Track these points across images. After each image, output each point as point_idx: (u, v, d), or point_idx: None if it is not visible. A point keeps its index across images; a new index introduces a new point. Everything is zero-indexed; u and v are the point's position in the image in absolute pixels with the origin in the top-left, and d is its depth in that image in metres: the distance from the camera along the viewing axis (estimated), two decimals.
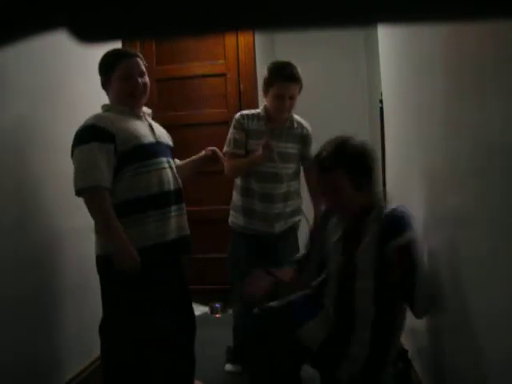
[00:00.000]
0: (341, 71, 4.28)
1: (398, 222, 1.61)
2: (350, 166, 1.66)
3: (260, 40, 3.80)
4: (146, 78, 2.02)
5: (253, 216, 2.46)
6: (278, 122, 2.45)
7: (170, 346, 2.07)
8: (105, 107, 2.03)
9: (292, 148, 2.48)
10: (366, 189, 1.70)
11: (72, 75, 2.39)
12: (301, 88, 2.41)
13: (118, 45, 2.97)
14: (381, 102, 2.90)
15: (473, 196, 1.26)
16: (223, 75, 3.76)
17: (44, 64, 2.15)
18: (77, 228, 2.28)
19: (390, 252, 1.57)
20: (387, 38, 2.65)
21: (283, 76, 2.32)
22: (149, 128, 2.03)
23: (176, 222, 2.00)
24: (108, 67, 1.96)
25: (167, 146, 2.09)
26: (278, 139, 2.43)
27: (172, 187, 2.00)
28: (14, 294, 1.86)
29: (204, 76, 3.77)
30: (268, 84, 2.38)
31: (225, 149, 2.45)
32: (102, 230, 1.86)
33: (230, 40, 3.69)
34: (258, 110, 2.51)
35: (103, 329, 1.98)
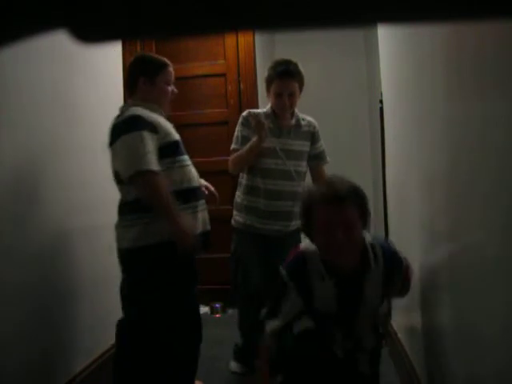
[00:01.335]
0: (341, 71, 4.28)
1: (396, 255, 1.72)
2: (361, 204, 1.60)
3: (260, 40, 3.80)
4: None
5: (258, 215, 2.44)
6: (285, 120, 2.45)
7: (184, 342, 2.11)
8: (131, 103, 2.12)
9: (302, 145, 2.48)
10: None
11: (72, 75, 2.39)
12: (301, 85, 2.41)
13: (117, 45, 2.99)
14: (381, 102, 2.90)
15: (473, 196, 1.26)
16: (223, 75, 3.76)
17: (44, 64, 2.15)
18: (91, 225, 2.33)
19: (396, 280, 1.70)
20: (387, 37, 2.65)
21: (279, 73, 2.34)
22: (172, 127, 2.15)
23: (202, 217, 2.10)
24: (156, 70, 2.13)
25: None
26: (287, 137, 2.44)
27: (197, 183, 2.13)
28: (25, 288, 1.87)
29: (204, 76, 3.77)
30: (268, 82, 2.41)
31: (232, 146, 2.48)
32: (163, 211, 1.89)
33: (230, 40, 3.69)
34: (264, 110, 2.52)
35: (123, 323, 2.03)
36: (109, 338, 2.63)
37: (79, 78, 2.44)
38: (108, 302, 2.60)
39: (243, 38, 3.67)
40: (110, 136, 2.00)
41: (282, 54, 4.36)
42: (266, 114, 2.46)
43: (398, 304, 2.73)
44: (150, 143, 1.90)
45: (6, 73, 1.88)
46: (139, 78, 2.14)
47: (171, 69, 2.20)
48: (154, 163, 1.88)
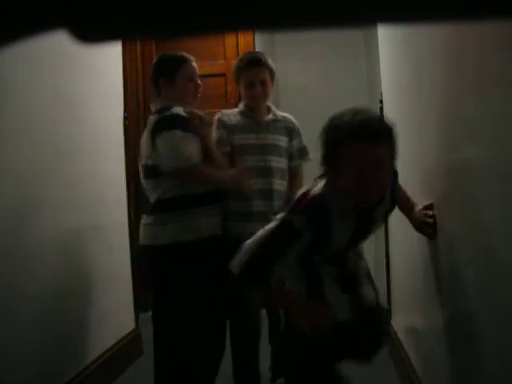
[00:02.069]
0: (341, 71, 4.28)
1: (396, 174, 1.63)
2: (394, 143, 1.41)
3: (260, 40, 3.80)
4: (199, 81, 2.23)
5: (250, 219, 2.25)
6: (260, 115, 2.35)
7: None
8: (161, 104, 2.13)
9: (280, 141, 2.35)
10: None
11: (72, 75, 2.39)
12: (272, 76, 2.33)
13: (117, 45, 2.99)
14: (381, 102, 2.90)
15: (473, 196, 1.26)
16: (223, 75, 3.76)
17: (44, 64, 2.15)
18: (92, 225, 2.34)
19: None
20: (387, 38, 2.65)
21: (247, 61, 2.30)
22: None
23: (207, 222, 2.10)
24: (174, 68, 2.15)
25: None
26: (265, 131, 2.32)
27: (203, 189, 2.13)
28: (25, 287, 1.87)
29: (204, 76, 3.77)
30: (237, 74, 2.34)
31: None
32: (217, 184, 2.12)
33: (230, 40, 3.70)
34: (237, 109, 2.41)
35: (155, 317, 2.09)
36: (109, 338, 2.63)
37: (79, 78, 2.44)
38: (108, 302, 2.60)
39: (243, 38, 3.67)
40: (152, 132, 2.05)
41: (282, 53, 4.36)
42: (240, 112, 2.36)
43: (398, 304, 2.74)
44: (190, 139, 2.03)
45: (6, 73, 1.88)
46: (159, 79, 2.17)
47: (192, 63, 2.19)
48: (196, 157, 2.03)
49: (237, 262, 1.46)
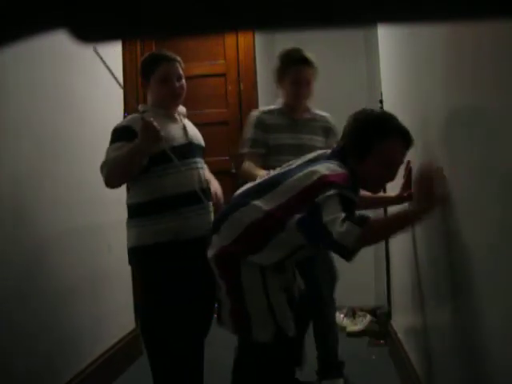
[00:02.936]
0: (341, 71, 4.28)
1: None
2: None
3: (260, 40, 3.80)
4: (183, 81, 2.09)
5: None
6: (298, 113, 2.36)
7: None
8: (142, 107, 2.10)
9: (317, 141, 2.34)
10: None
11: (72, 75, 2.39)
12: (316, 74, 2.34)
13: (117, 45, 2.98)
14: (381, 102, 2.89)
15: (473, 196, 1.26)
16: (223, 75, 3.76)
17: (44, 64, 2.15)
18: (91, 224, 2.34)
19: None
20: (387, 37, 2.65)
21: (297, 60, 2.29)
22: (182, 129, 2.09)
23: (197, 221, 2.02)
24: (148, 70, 2.05)
25: (199, 146, 2.15)
26: (301, 131, 2.34)
27: (200, 186, 2.04)
28: (25, 288, 1.87)
29: (204, 76, 3.77)
30: (282, 72, 2.33)
31: (243, 149, 2.39)
32: (128, 158, 1.88)
33: (230, 40, 3.69)
34: (274, 106, 2.41)
35: (143, 320, 2.08)
36: (109, 338, 2.64)
37: (79, 78, 2.44)
38: (108, 302, 2.60)
39: (243, 38, 3.67)
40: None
41: None
42: (278, 111, 2.36)
43: (397, 304, 2.74)
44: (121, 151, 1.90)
45: (6, 73, 1.88)
46: (141, 81, 2.13)
47: (172, 63, 2.04)
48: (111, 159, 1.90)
49: (346, 235, 1.48)
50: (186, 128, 2.10)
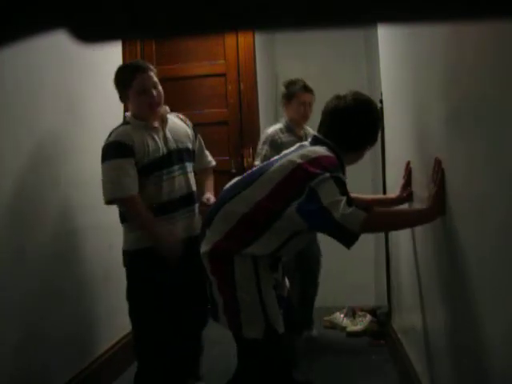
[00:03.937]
0: (341, 71, 4.28)
1: None
2: None
3: (260, 40, 3.80)
4: (160, 88, 2.11)
5: None
6: (299, 130, 2.92)
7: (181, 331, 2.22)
8: (124, 119, 2.15)
9: None
10: None
11: (72, 75, 2.39)
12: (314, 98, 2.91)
13: (117, 45, 2.99)
14: (381, 101, 2.90)
15: (472, 194, 1.26)
16: (223, 75, 3.75)
17: (44, 64, 2.15)
18: (92, 224, 2.36)
19: None
20: (387, 38, 2.65)
21: (303, 87, 2.91)
22: (163, 138, 2.11)
23: (183, 224, 2.12)
24: (125, 84, 2.07)
25: (182, 150, 2.17)
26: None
27: (181, 193, 2.12)
28: (26, 287, 1.87)
29: (204, 76, 3.77)
30: (290, 95, 2.90)
31: (255, 161, 2.79)
32: (144, 227, 2.05)
33: (230, 40, 3.69)
34: (279, 125, 2.93)
35: (131, 316, 2.15)
36: (109, 338, 2.63)
37: (79, 78, 2.44)
38: (108, 302, 2.60)
39: (243, 38, 3.66)
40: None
41: (282, 53, 4.36)
42: (286, 128, 2.88)
43: (397, 304, 2.74)
44: (126, 167, 1.98)
45: (6, 73, 1.88)
46: (118, 93, 2.12)
47: (146, 73, 2.04)
48: (126, 188, 1.99)
49: (351, 218, 1.51)
50: (166, 136, 2.12)
